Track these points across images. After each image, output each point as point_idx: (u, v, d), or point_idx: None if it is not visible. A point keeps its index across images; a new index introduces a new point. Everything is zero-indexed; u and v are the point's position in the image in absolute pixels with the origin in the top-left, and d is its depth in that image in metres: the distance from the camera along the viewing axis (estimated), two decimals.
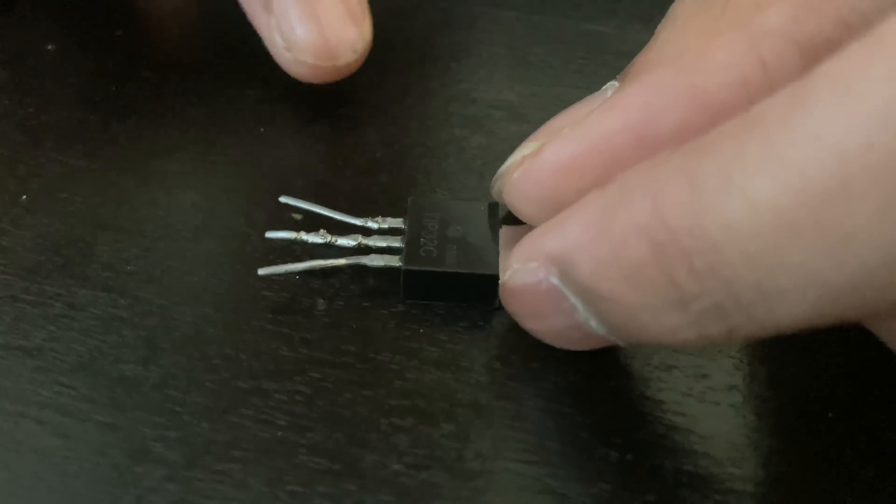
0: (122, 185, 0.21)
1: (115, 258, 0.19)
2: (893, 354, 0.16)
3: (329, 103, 0.23)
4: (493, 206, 0.19)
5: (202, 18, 0.26)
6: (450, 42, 0.25)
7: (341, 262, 0.18)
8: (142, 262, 0.19)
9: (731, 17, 0.15)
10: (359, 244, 0.19)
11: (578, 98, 0.17)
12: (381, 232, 0.19)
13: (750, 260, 0.12)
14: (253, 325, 0.18)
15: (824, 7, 0.14)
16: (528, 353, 0.17)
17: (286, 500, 0.15)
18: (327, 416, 0.16)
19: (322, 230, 0.19)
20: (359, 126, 0.23)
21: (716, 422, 0.17)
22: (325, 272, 0.19)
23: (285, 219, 0.20)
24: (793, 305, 0.13)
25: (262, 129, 0.22)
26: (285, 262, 0.19)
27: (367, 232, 0.19)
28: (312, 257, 0.19)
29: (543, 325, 0.16)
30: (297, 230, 0.19)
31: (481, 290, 0.18)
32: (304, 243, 0.19)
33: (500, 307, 0.17)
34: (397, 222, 0.19)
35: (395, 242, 0.19)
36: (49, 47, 0.25)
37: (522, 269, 0.16)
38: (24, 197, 0.20)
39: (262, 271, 0.18)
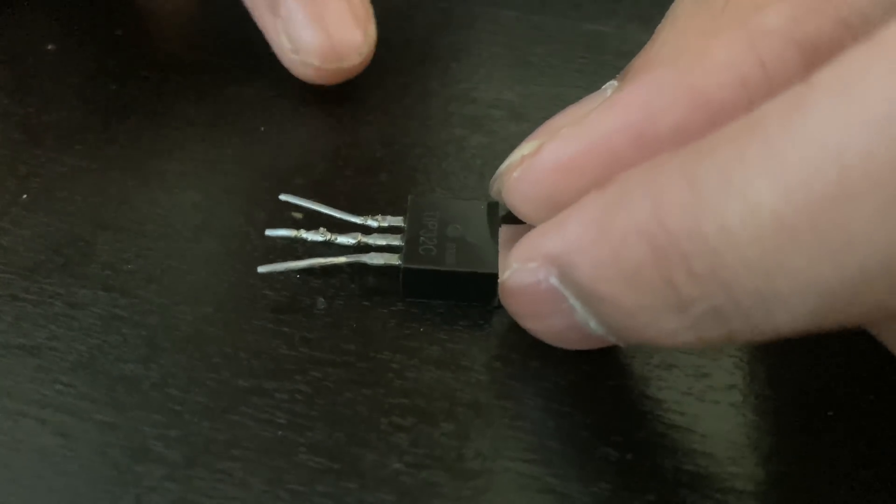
0: (122, 184, 0.21)
1: (115, 257, 0.19)
2: (893, 355, 0.16)
3: (329, 103, 0.23)
4: (493, 206, 0.19)
5: (202, 18, 0.27)
6: (450, 42, 0.25)
7: (341, 260, 0.18)
8: (142, 262, 0.19)
9: (730, 17, 0.15)
10: (359, 242, 0.19)
11: (578, 98, 0.17)
12: (381, 230, 0.19)
13: (749, 264, 0.12)
14: (253, 324, 0.18)
15: (824, 7, 0.14)
16: (528, 352, 0.17)
17: (286, 499, 0.15)
18: (327, 415, 0.16)
19: (322, 228, 0.19)
20: (359, 126, 0.23)
21: (716, 421, 0.17)
22: (325, 271, 0.19)
23: (285, 218, 0.20)
24: (792, 310, 0.13)
25: (262, 129, 0.22)
26: (285, 261, 0.19)
27: (366, 230, 0.19)
28: (312, 255, 0.19)
29: (542, 325, 0.16)
30: (297, 228, 0.19)
31: (481, 288, 0.18)
32: (303, 241, 0.19)
33: (500, 306, 0.17)
34: (397, 221, 0.19)
35: (395, 241, 0.19)
36: (49, 47, 0.25)
37: (522, 270, 0.16)
38: (25, 196, 0.20)
39: (261, 269, 0.18)
